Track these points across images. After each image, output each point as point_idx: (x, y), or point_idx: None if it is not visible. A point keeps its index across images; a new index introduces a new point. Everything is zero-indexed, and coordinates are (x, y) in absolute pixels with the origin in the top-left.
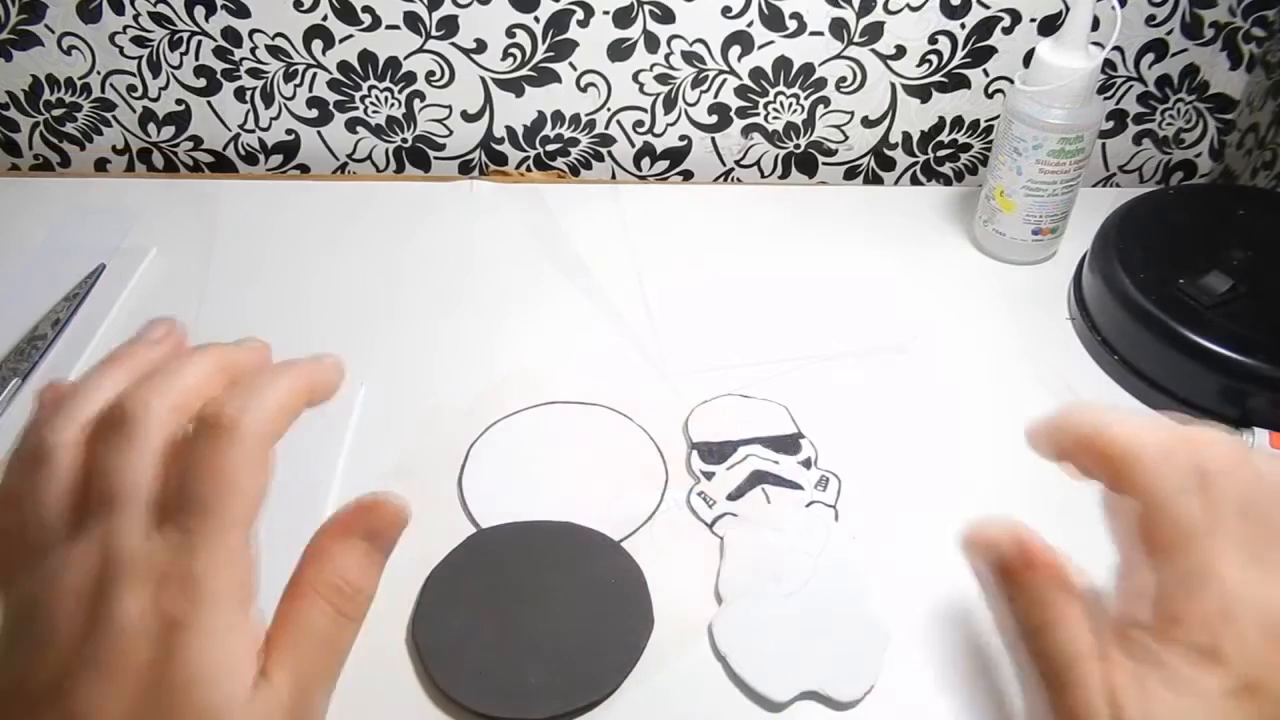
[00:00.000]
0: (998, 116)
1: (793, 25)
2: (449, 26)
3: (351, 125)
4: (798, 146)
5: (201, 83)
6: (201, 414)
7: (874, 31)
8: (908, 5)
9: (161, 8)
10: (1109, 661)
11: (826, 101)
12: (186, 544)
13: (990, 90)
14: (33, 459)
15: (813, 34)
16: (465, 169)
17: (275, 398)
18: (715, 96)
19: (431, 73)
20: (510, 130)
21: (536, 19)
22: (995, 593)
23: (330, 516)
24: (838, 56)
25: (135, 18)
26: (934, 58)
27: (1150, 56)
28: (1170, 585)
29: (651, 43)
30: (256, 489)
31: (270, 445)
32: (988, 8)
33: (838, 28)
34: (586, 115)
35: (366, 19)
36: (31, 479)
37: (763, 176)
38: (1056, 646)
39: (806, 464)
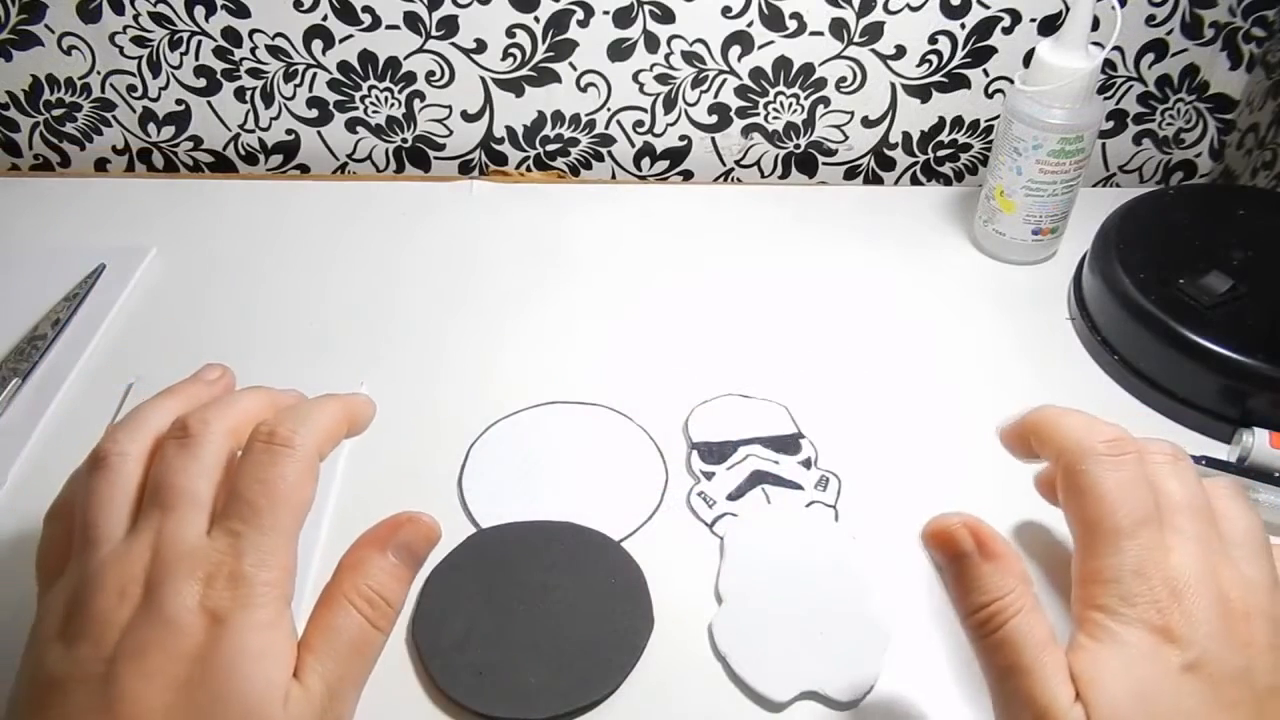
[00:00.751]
0: (998, 116)
1: (793, 25)
2: (449, 26)
3: (351, 125)
4: (798, 146)
5: (201, 83)
6: (258, 431)
7: (874, 31)
8: (908, 5)
9: (161, 8)
10: (1069, 644)
11: (826, 101)
12: (236, 545)
13: (990, 90)
14: (91, 466)
15: (813, 34)
16: (465, 169)
17: (324, 421)
18: (715, 96)
19: (431, 73)
20: (510, 130)
21: (536, 19)
22: (954, 583)
23: (368, 530)
24: (838, 56)
25: (135, 18)
26: (934, 58)
27: (1150, 56)
28: (1122, 569)
29: (651, 43)
30: (303, 500)
31: (318, 462)
32: (988, 8)
33: (838, 28)
34: (586, 115)
35: (366, 19)
36: (88, 483)
37: (763, 176)
38: (1016, 633)
39: (806, 464)
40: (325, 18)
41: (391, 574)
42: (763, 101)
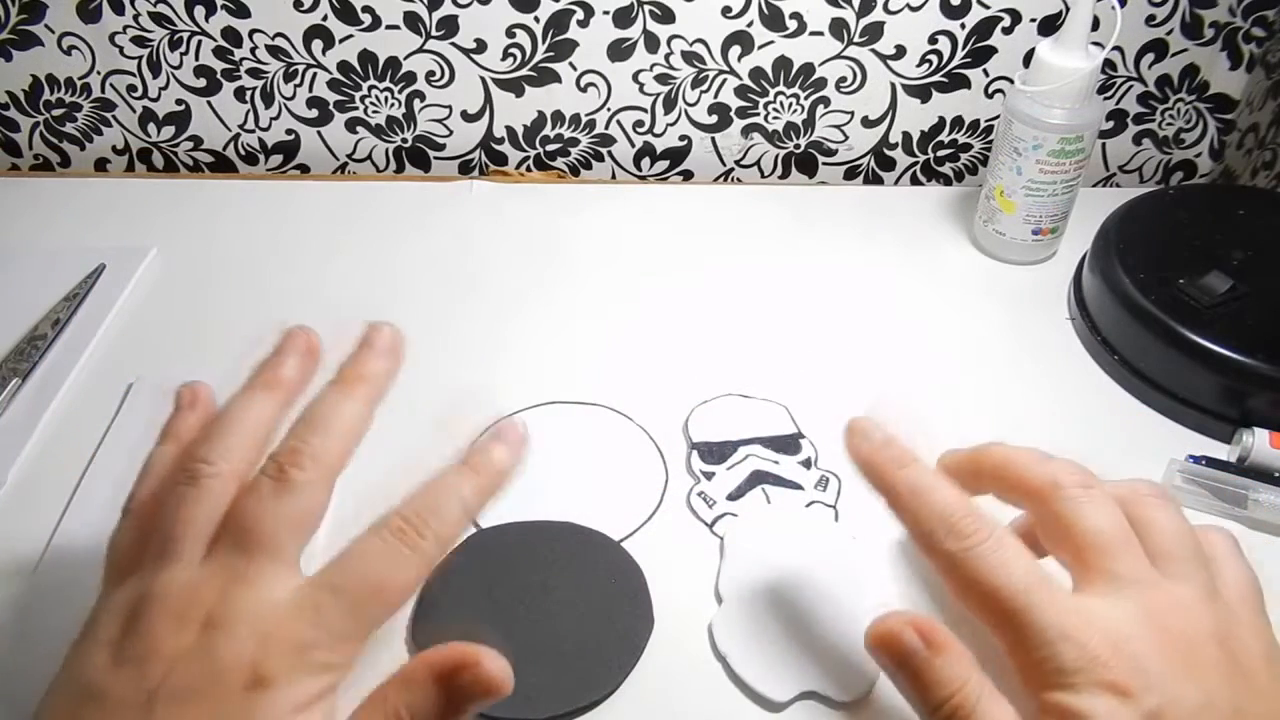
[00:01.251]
0: (998, 116)
1: (793, 25)
2: (449, 26)
3: (351, 125)
4: (798, 146)
5: (201, 83)
6: (387, 523)
7: (874, 31)
8: (908, 5)
9: (161, 8)
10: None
11: (826, 101)
12: (314, 617)
13: (990, 90)
14: (184, 476)
15: (813, 34)
16: (465, 169)
17: (451, 521)
18: (715, 96)
19: (431, 73)
20: (510, 130)
21: (536, 19)
22: (910, 684)
23: (437, 650)
24: (838, 56)
25: (135, 18)
26: (934, 58)
27: (1150, 56)
28: (1059, 642)
29: (651, 43)
30: (392, 600)
31: (431, 560)
32: (988, 8)
33: (838, 28)
34: (586, 115)
35: (366, 19)
36: (177, 493)
37: (763, 176)
38: (987, 718)
39: (806, 464)
40: (325, 18)
41: (434, 708)
42: (763, 101)
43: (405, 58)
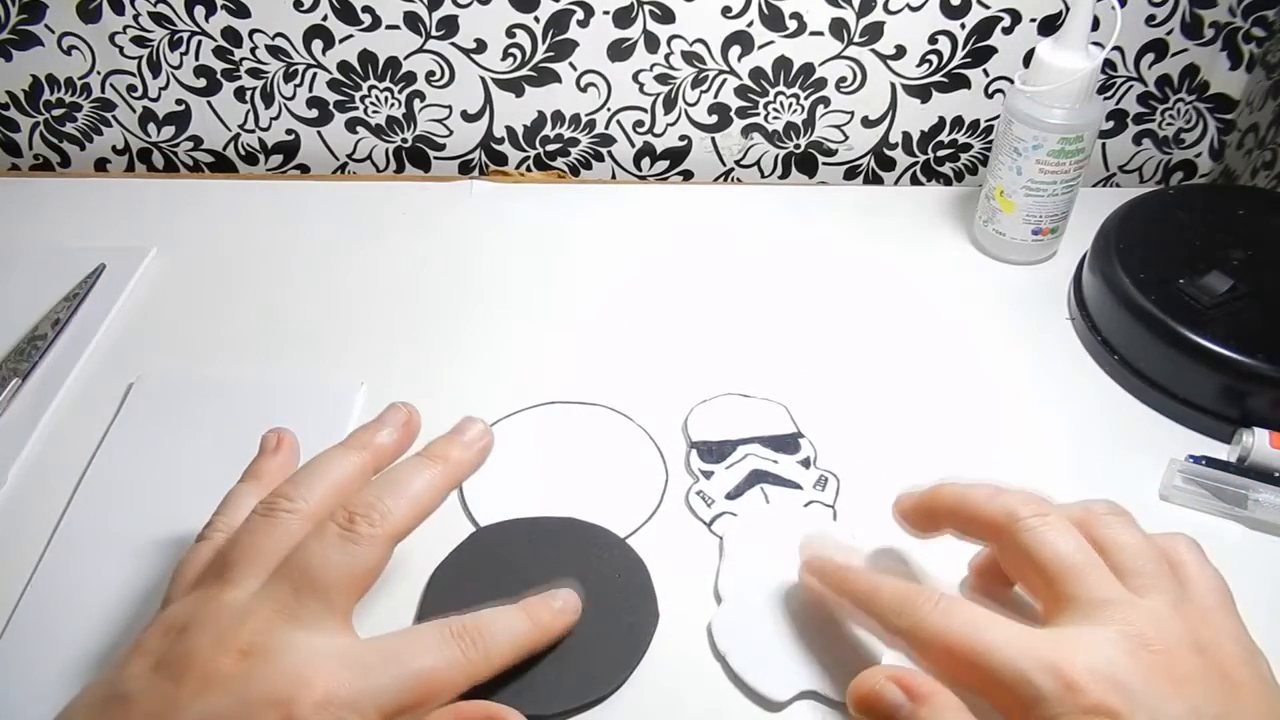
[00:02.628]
0: (998, 116)
1: (793, 25)
2: (449, 26)
3: (351, 125)
4: (798, 146)
5: (201, 83)
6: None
7: (874, 31)
8: (908, 5)
9: (161, 8)
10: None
11: (826, 101)
12: (352, 682)
13: (990, 90)
14: (264, 507)
15: (813, 34)
16: (465, 169)
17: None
18: (715, 96)
19: (431, 73)
20: (510, 130)
21: (536, 19)
22: None
23: (469, 703)
24: (838, 56)
25: (135, 18)
26: (934, 58)
27: (1150, 56)
28: (1035, 675)
29: (651, 43)
30: (436, 693)
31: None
32: (988, 8)
33: (838, 28)
34: (586, 115)
35: (366, 19)
36: (254, 523)
37: (763, 176)
38: None
39: (805, 464)
40: (325, 18)
41: None
42: (763, 101)
43: (405, 58)
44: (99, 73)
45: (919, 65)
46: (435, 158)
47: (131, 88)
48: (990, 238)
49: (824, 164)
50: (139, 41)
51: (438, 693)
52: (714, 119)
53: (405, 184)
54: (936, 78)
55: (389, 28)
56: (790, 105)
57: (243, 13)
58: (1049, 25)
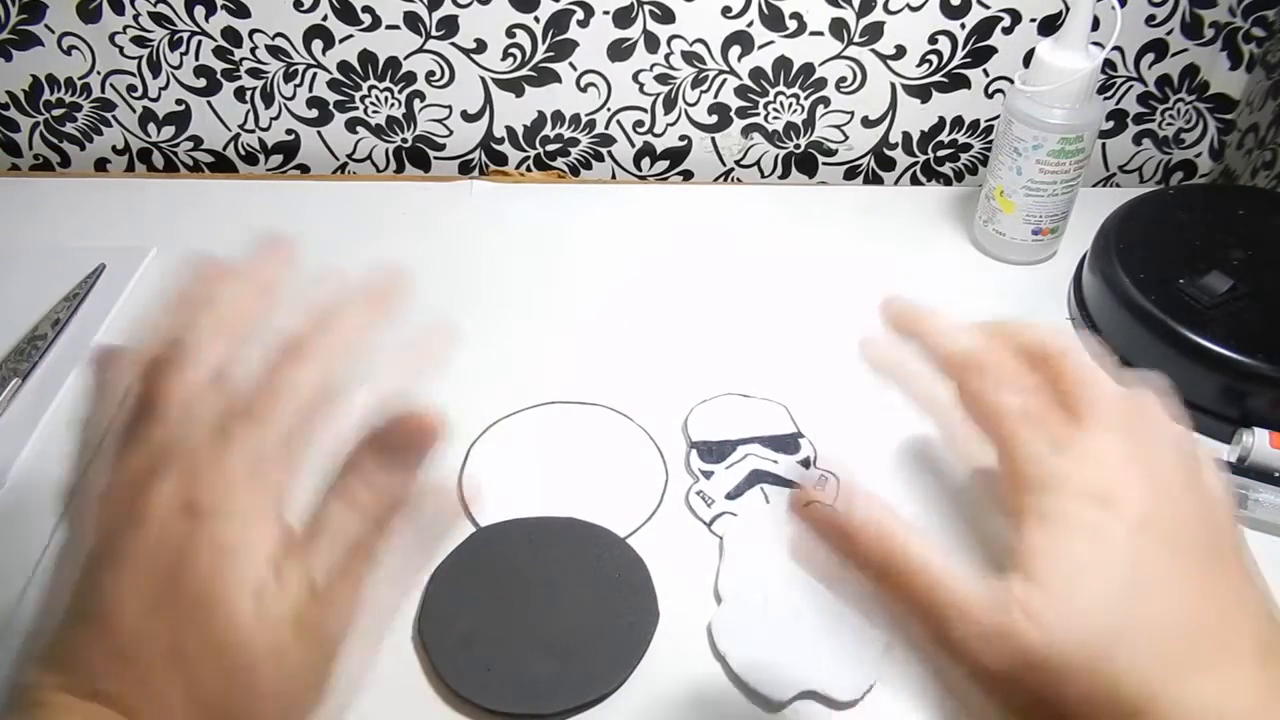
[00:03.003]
0: (998, 116)
1: (793, 25)
2: (449, 26)
3: (351, 125)
4: (798, 146)
5: (201, 83)
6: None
7: (874, 31)
8: (908, 5)
9: (161, 8)
10: (1016, 517)
11: (826, 101)
12: (223, 441)
13: (990, 90)
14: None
15: (813, 34)
16: (465, 169)
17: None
18: (715, 96)
19: (431, 73)
20: (510, 130)
21: (536, 19)
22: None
23: (367, 430)
24: (838, 56)
25: (135, 18)
26: (934, 58)
27: (1150, 56)
28: (1048, 452)
29: (651, 43)
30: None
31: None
32: (988, 8)
33: (838, 28)
34: (586, 115)
35: (366, 19)
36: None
37: (763, 176)
38: (923, 584)
39: (805, 463)
40: (325, 18)
41: (392, 469)
42: (763, 101)
43: (405, 58)
44: (99, 73)
45: (919, 65)
46: (435, 158)
47: (131, 88)
48: (990, 238)
49: (824, 164)
50: (139, 41)
51: None
52: (714, 119)
53: (405, 184)
54: (936, 78)
55: (389, 28)
56: (790, 105)
57: (243, 13)
58: (1049, 25)
